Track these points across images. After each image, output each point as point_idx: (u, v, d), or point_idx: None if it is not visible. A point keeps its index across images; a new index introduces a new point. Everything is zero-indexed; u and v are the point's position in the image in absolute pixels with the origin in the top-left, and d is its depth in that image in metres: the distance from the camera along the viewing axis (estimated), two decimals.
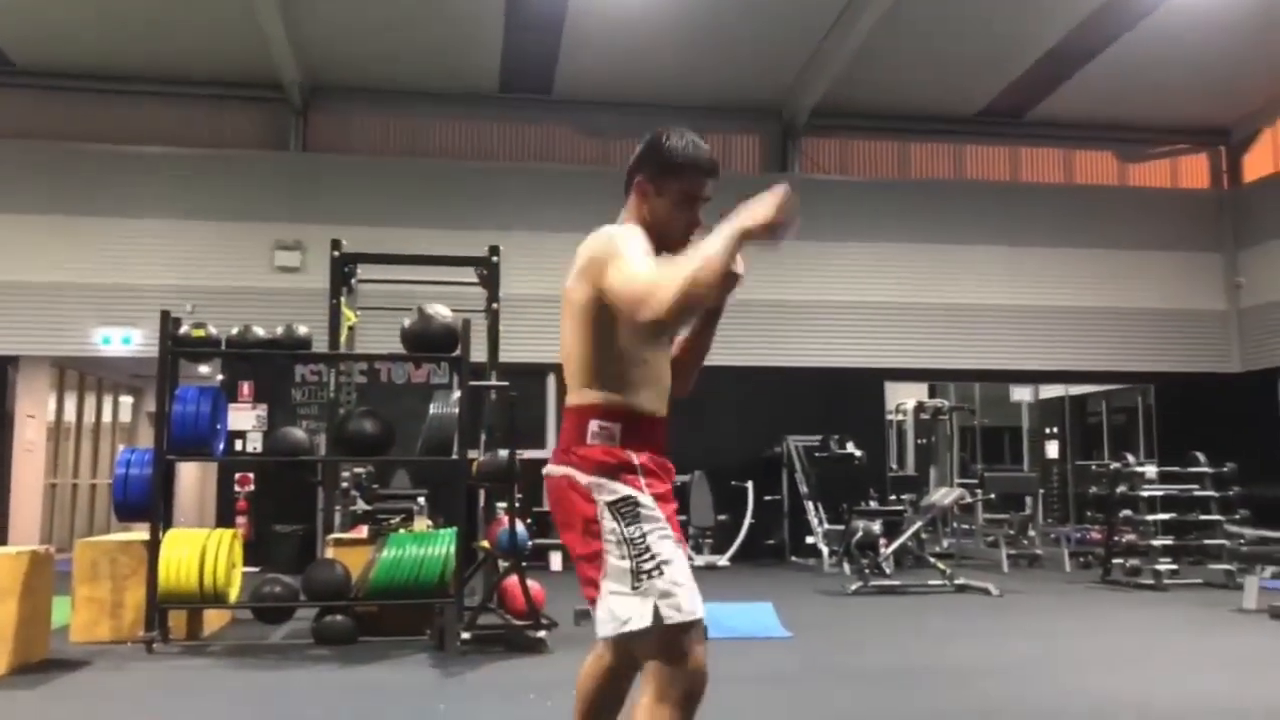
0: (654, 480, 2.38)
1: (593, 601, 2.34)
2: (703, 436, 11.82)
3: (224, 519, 11.31)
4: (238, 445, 11.09)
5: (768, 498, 11.88)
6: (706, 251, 2.21)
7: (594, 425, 2.37)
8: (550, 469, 2.43)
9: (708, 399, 12.57)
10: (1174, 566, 9.19)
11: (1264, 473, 11.72)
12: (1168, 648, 6.30)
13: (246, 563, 7.14)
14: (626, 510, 2.30)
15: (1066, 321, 13.43)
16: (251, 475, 11.62)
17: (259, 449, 11.04)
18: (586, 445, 2.37)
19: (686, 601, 2.26)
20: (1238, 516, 9.57)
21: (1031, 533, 11.81)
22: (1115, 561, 9.52)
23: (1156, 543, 9.21)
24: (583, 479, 2.34)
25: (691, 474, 11.46)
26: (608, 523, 2.30)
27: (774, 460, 11.97)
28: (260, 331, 6.48)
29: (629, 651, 2.37)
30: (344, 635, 6.12)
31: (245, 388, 11.47)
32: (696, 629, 2.27)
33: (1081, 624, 7.23)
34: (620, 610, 2.25)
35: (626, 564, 2.27)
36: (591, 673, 2.58)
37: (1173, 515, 9.58)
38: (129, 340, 11.67)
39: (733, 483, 11.70)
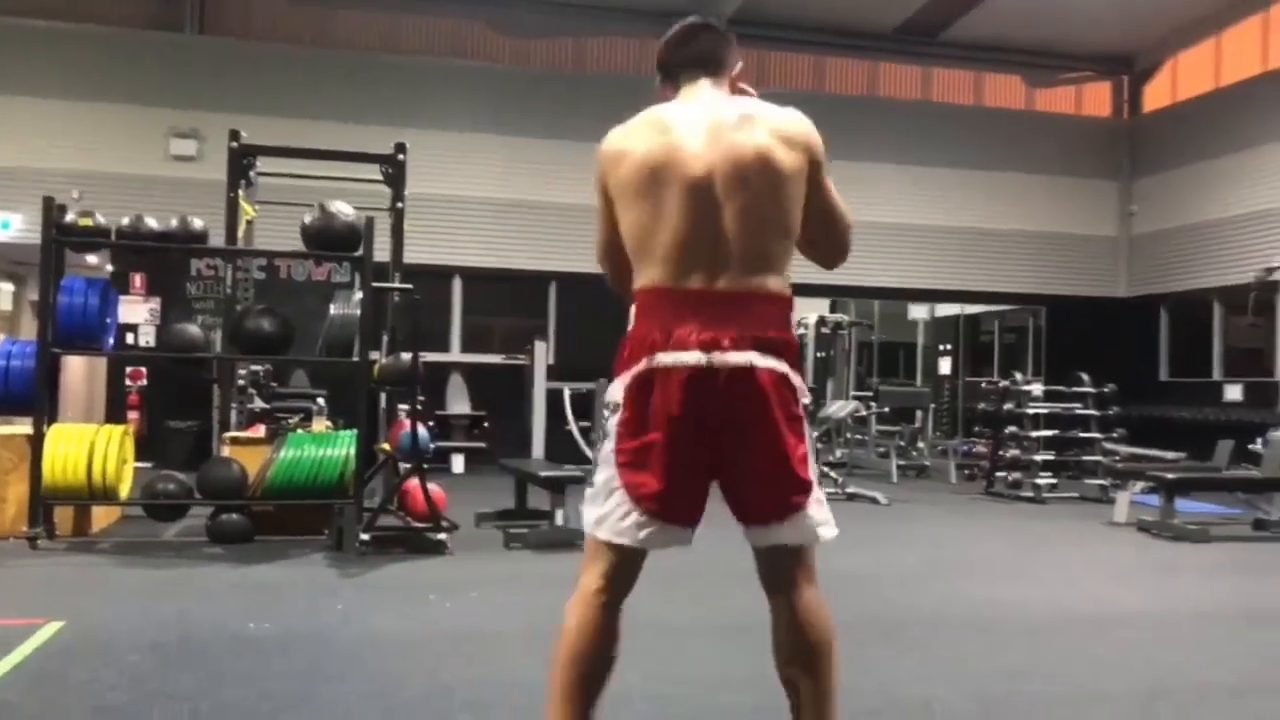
0: None
1: (796, 508, 2.16)
2: (610, 345, 11.82)
3: (115, 414, 10.98)
4: (129, 339, 10.71)
5: None
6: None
7: (793, 319, 2.25)
8: (760, 361, 2.11)
9: (616, 308, 12.63)
10: (1053, 481, 9.64)
11: (1142, 394, 12.33)
12: (1043, 557, 6.64)
13: (138, 458, 6.97)
14: (809, 415, 2.22)
15: (965, 242, 13.73)
16: (144, 370, 11.28)
17: (151, 343, 10.69)
18: (794, 339, 2.22)
19: None
20: (1115, 435, 10.06)
21: (921, 444, 12.23)
22: (999, 474, 9.94)
23: (1038, 458, 9.62)
24: (795, 379, 2.18)
25: (597, 381, 11.50)
26: (807, 427, 2.20)
27: None
28: (153, 223, 6.22)
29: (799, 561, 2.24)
30: (239, 534, 6.06)
31: (137, 279, 11.04)
32: None
33: (964, 533, 7.56)
34: (825, 515, 2.20)
35: (816, 470, 2.25)
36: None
37: (1055, 432, 10.00)
38: (8, 225, 11.09)
39: None
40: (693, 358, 2.10)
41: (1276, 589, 5.68)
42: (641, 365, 2.16)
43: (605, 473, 2.21)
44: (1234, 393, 12.26)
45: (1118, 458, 9.76)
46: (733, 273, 2.13)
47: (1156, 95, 14.64)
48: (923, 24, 13.54)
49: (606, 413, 2.25)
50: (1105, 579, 5.89)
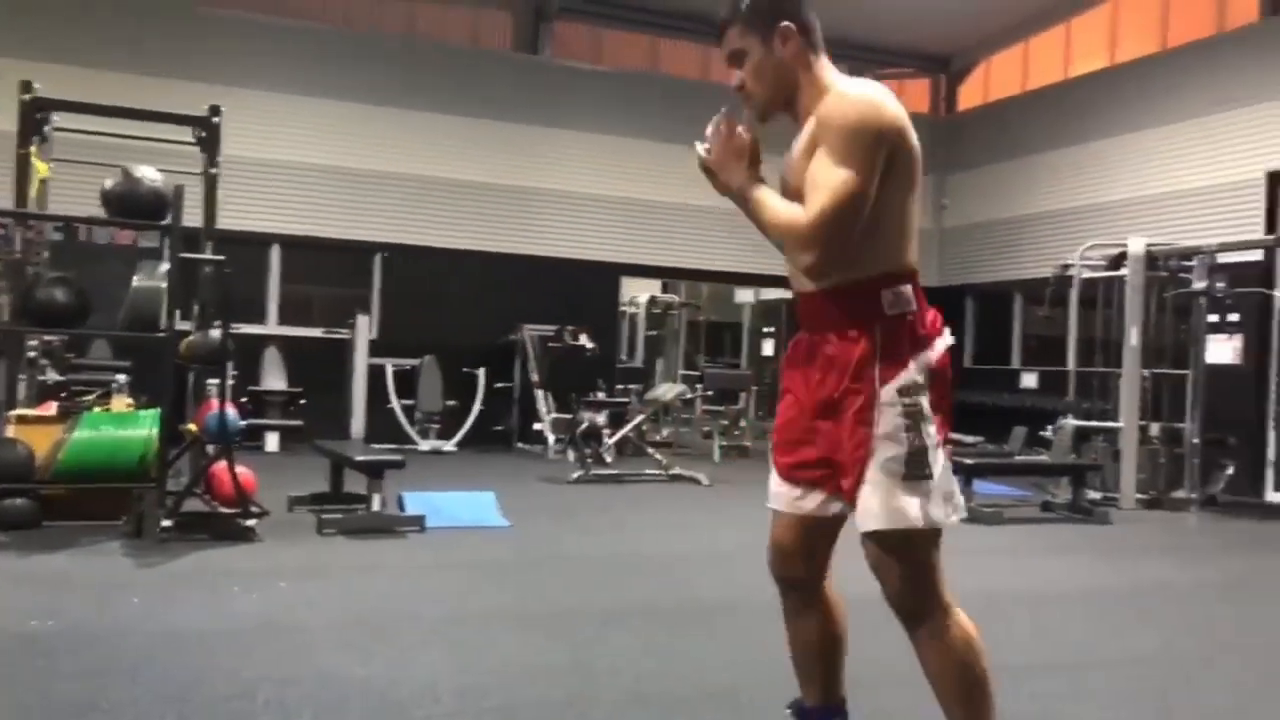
0: None
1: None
2: (437, 321, 11.63)
3: None
4: None
5: (499, 385, 11.92)
6: None
7: None
8: None
9: (444, 283, 12.42)
10: None
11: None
12: (847, 541, 6.91)
13: None
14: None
15: None
16: None
17: None
18: None
19: None
20: None
21: (744, 424, 12.56)
22: None
23: None
24: None
25: (422, 358, 11.30)
26: None
27: (508, 347, 11.98)
28: None
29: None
30: (25, 519, 5.63)
31: None
32: None
33: None
34: None
35: None
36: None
37: None
38: None
39: (464, 369, 11.64)
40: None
41: (1060, 570, 6.10)
42: (942, 343, 2.20)
43: (941, 457, 2.18)
44: (1030, 380, 13.08)
45: None
46: None
47: (971, 95, 15.41)
48: None
49: (907, 399, 2.14)
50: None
